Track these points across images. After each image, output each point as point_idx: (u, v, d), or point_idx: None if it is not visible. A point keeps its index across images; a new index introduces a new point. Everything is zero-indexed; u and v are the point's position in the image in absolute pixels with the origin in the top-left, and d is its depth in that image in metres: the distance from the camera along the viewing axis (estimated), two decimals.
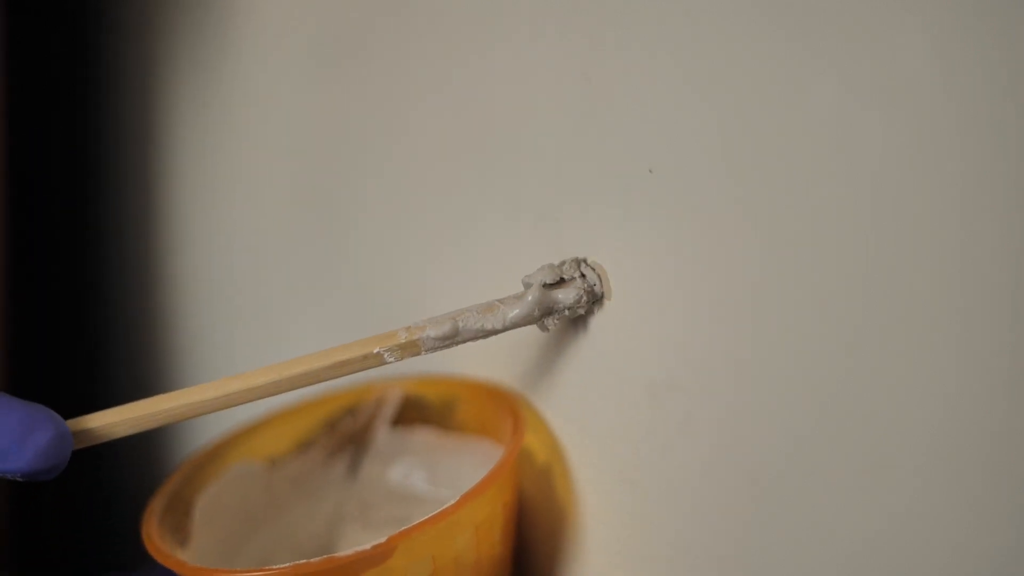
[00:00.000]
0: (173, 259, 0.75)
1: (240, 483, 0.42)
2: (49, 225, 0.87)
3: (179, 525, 0.39)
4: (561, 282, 0.36)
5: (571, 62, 0.38)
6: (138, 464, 0.79)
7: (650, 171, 0.35)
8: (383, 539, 0.30)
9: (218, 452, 0.42)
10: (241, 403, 0.33)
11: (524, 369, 0.42)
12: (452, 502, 0.32)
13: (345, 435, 0.45)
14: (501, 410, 0.39)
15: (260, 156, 0.64)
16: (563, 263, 0.36)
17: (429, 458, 0.44)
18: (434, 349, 0.35)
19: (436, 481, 0.43)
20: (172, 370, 0.76)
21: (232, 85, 0.65)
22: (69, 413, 0.35)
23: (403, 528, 0.31)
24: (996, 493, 0.25)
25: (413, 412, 0.44)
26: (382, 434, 0.44)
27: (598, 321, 0.37)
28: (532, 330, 0.40)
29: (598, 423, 0.38)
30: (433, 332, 0.34)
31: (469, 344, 0.42)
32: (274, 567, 0.31)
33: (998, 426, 0.25)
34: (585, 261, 0.37)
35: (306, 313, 0.62)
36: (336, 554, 0.30)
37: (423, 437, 0.44)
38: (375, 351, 0.34)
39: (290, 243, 0.62)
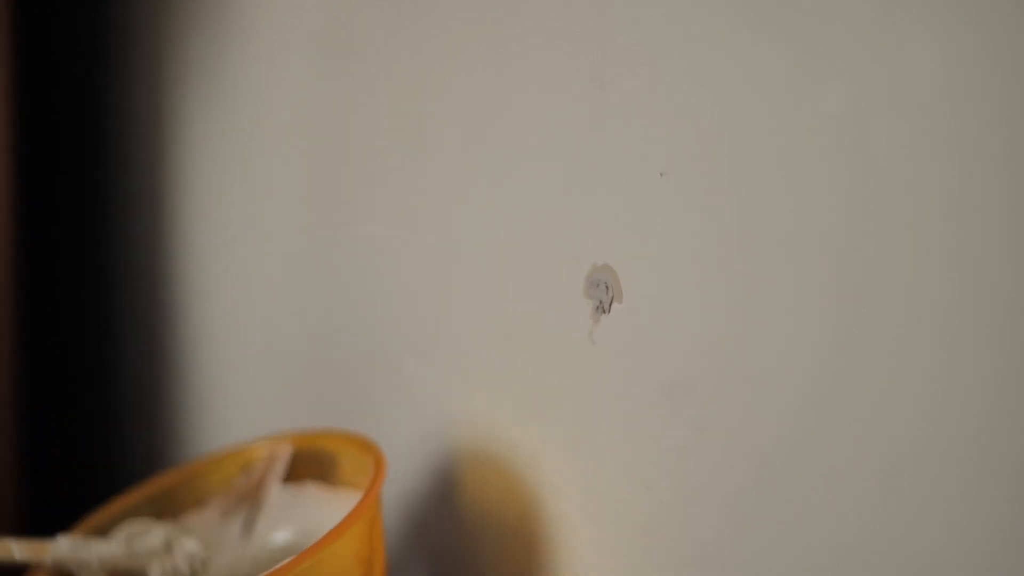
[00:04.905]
0: (179, 256, 0.76)
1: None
2: (56, 227, 0.89)
3: None
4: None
5: (583, 65, 0.38)
6: (147, 464, 0.81)
7: (661, 175, 0.34)
8: None
9: (115, 518, 0.42)
10: None
11: (533, 374, 0.42)
12: None
13: (240, 493, 0.45)
14: (368, 465, 0.39)
15: (264, 156, 0.65)
16: None
17: (317, 514, 0.43)
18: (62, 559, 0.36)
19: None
20: (177, 371, 0.78)
21: (237, 83, 0.66)
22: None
23: None
24: (996, 489, 0.25)
25: (303, 468, 0.45)
26: (275, 491, 0.44)
27: (610, 324, 0.37)
28: (542, 336, 0.40)
29: (612, 425, 0.38)
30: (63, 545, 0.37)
31: (474, 357, 0.42)
32: None
33: (999, 425, 0.25)
34: None
35: (310, 311, 0.62)
36: None
37: (312, 493, 0.44)
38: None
39: (293, 240, 0.63)
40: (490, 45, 0.43)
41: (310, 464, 0.45)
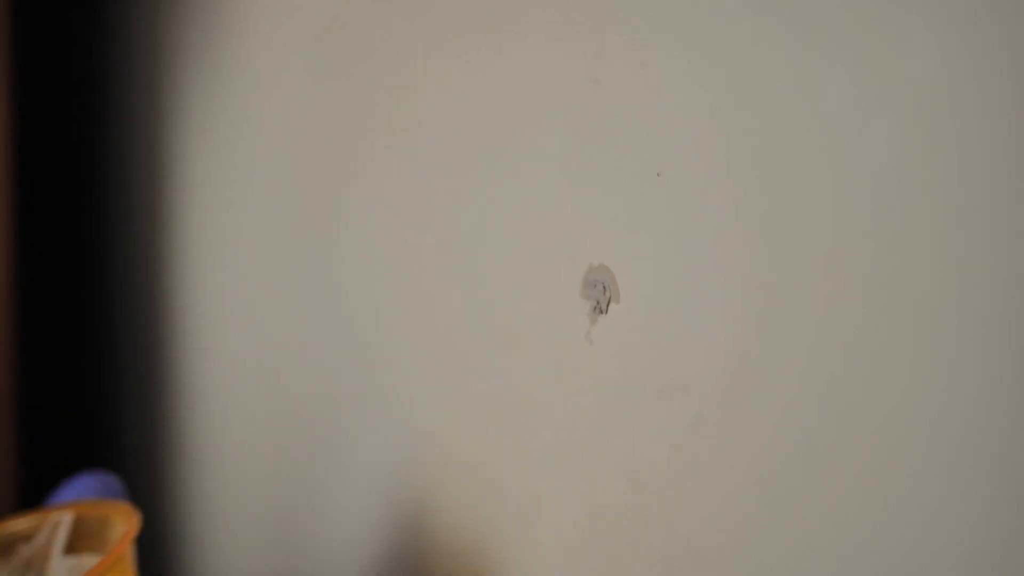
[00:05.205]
0: (177, 257, 0.76)
1: None
2: (56, 227, 0.89)
3: None
4: None
5: (581, 66, 0.38)
6: (146, 464, 0.80)
7: (658, 175, 0.34)
8: None
9: None
10: None
11: (529, 375, 0.42)
12: None
13: (23, 561, 0.45)
14: (120, 534, 0.40)
15: (263, 156, 0.65)
16: None
17: None
18: None
19: None
20: (175, 372, 0.77)
21: (236, 84, 0.66)
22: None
23: None
24: (995, 489, 0.25)
25: (83, 539, 0.45)
26: (55, 562, 0.44)
27: (607, 324, 0.37)
28: (539, 337, 0.40)
29: (607, 426, 0.38)
30: None
31: (471, 359, 0.41)
32: None
33: (999, 425, 0.25)
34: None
35: (307, 312, 0.62)
36: None
37: (89, 563, 0.44)
38: None
39: (291, 241, 0.63)
40: (488, 45, 0.43)
41: (88, 534, 0.46)
